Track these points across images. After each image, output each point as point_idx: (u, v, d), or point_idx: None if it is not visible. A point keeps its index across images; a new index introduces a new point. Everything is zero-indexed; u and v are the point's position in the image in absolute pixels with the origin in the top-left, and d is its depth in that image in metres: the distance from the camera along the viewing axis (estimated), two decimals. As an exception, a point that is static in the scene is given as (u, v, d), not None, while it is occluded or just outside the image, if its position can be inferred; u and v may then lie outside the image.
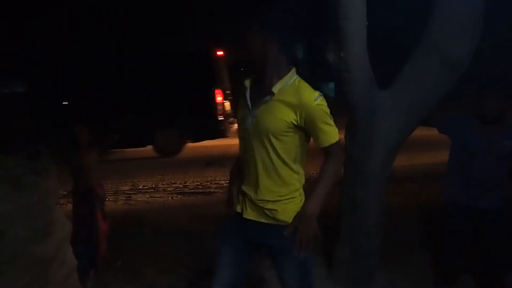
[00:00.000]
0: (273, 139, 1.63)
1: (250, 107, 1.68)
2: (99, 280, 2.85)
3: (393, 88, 2.40)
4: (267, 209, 1.68)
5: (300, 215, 1.65)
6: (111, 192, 5.28)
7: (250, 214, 1.71)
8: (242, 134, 1.73)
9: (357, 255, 2.60)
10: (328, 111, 1.64)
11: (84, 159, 2.95)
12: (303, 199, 1.70)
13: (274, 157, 1.65)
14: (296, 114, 1.60)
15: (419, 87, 2.35)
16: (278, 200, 1.67)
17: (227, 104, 8.44)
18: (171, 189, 5.55)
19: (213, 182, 5.79)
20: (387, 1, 6.68)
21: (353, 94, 2.34)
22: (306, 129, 1.63)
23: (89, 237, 2.91)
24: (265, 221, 1.69)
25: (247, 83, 1.73)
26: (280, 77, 1.64)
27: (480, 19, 2.25)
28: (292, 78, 1.65)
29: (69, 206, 2.99)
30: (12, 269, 1.65)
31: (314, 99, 1.59)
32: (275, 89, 1.62)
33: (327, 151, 1.67)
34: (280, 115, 1.62)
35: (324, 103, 1.62)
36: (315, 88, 1.62)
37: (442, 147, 3.29)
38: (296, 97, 1.60)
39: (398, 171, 4.54)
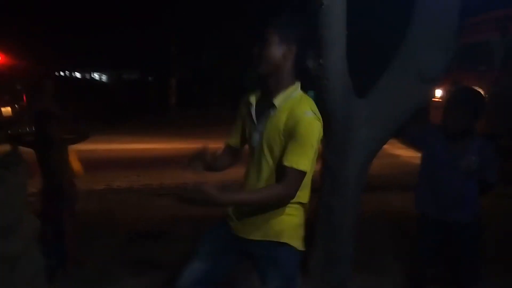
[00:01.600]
0: (273, 152, 1.62)
1: (256, 123, 1.66)
2: (67, 279, 2.79)
3: (370, 97, 2.44)
4: (263, 225, 1.68)
5: (215, 192, 1.53)
6: (84, 191, 5.16)
7: (242, 232, 1.72)
8: (250, 151, 1.73)
9: (331, 262, 2.62)
10: (315, 135, 1.56)
11: (55, 156, 2.88)
12: (302, 217, 1.72)
13: (273, 170, 1.65)
14: (285, 119, 1.59)
15: (396, 97, 2.40)
16: (275, 216, 1.67)
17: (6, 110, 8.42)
18: (147, 190, 5.48)
19: (190, 184, 5.74)
20: (367, 11, 6.84)
21: (331, 102, 2.37)
22: (286, 141, 1.58)
23: (58, 235, 2.84)
24: (260, 238, 1.69)
25: (253, 99, 1.70)
26: (284, 89, 1.63)
27: (455, 33, 2.33)
28: (295, 91, 1.64)
29: (39, 204, 2.91)
30: (-25, 266, 1.61)
31: (305, 113, 1.55)
32: (276, 101, 1.61)
33: (285, 173, 1.55)
34: (276, 125, 1.61)
35: (316, 123, 1.56)
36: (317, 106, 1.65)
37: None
38: (291, 107, 1.59)
39: (373, 179, 4.64)
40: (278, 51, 1.59)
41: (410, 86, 2.37)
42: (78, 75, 29.06)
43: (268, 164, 1.65)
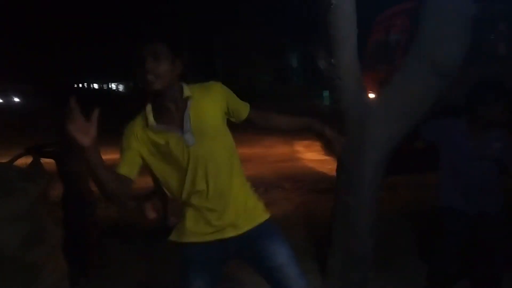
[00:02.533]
0: (219, 139, 1.62)
1: (177, 130, 1.58)
2: (90, 286, 2.84)
3: (384, 95, 2.42)
4: (249, 211, 1.68)
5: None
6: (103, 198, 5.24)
7: (234, 230, 1.66)
8: (183, 159, 1.58)
9: (350, 262, 2.59)
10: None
11: (75, 165, 2.94)
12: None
13: (224, 157, 1.62)
14: (212, 103, 1.62)
15: (410, 93, 2.37)
16: (252, 197, 1.71)
17: None
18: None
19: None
20: (378, 9, 6.73)
21: (345, 101, 2.36)
22: (230, 112, 1.67)
23: (80, 243, 2.90)
24: (252, 226, 1.67)
25: (151, 119, 1.58)
26: (181, 91, 1.59)
27: (469, 25, 2.28)
28: (189, 87, 1.62)
29: (61, 213, 2.98)
30: (2, 274, 1.65)
31: (211, 82, 1.65)
32: (186, 93, 1.58)
33: (257, 115, 1.74)
34: (206, 113, 1.60)
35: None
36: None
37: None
38: (204, 91, 1.62)
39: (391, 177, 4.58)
40: (171, 67, 1.53)
41: (425, 81, 2.33)
42: (96, 86, 29.62)
43: (219, 155, 1.60)
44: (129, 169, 1.58)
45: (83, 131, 1.31)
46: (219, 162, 1.61)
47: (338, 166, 2.57)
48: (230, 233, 1.64)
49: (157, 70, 1.50)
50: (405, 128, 2.45)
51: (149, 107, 1.59)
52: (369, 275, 2.67)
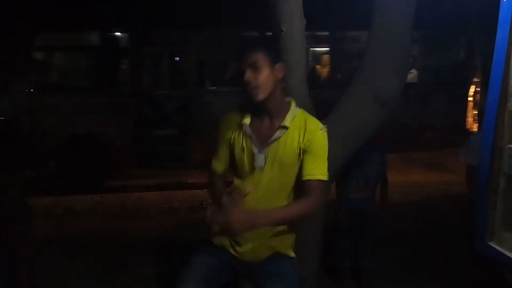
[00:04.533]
0: (288, 170, 1.64)
1: (257, 145, 1.64)
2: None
3: (330, 119, 2.52)
4: (273, 242, 1.70)
5: (250, 213, 1.53)
6: (41, 214, 4.95)
7: (251, 256, 1.69)
8: (247, 173, 1.67)
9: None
10: (327, 146, 1.66)
11: (9, 178, 2.77)
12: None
13: (287, 187, 1.67)
14: (299, 137, 1.63)
15: (354, 118, 2.49)
16: (284, 232, 1.71)
17: None
18: (109, 212, 5.32)
19: (153, 206, 5.63)
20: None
21: (293, 123, 2.43)
22: (302, 156, 1.64)
23: (11, 262, 2.71)
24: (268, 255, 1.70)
25: (246, 120, 1.66)
26: (286, 109, 1.65)
27: (408, 58, 2.46)
28: (295, 107, 1.68)
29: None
30: None
31: (320, 128, 1.64)
32: (286, 122, 1.62)
33: (309, 187, 1.61)
34: (290, 144, 1.63)
35: (326, 136, 1.67)
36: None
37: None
38: (304, 124, 1.64)
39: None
40: (271, 74, 1.58)
41: (368, 109, 2.47)
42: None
43: (279, 184, 1.65)
44: (223, 166, 1.75)
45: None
46: (277, 192, 1.65)
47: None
48: (247, 257, 1.69)
49: (258, 80, 1.54)
50: (349, 150, 2.56)
51: (251, 105, 1.64)
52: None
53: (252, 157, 1.64)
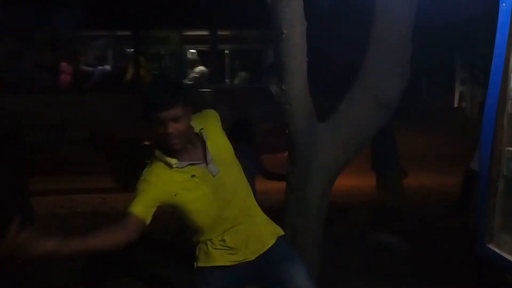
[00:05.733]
0: (234, 162, 1.72)
1: (202, 163, 1.63)
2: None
3: (331, 121, 2.53)
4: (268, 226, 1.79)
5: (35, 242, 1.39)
6: (44, 215, 4.98)
7: (259, 248, 1.73)
8: (209, 194, 1.62)
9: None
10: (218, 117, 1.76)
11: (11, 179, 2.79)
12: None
13: (242, 181, 1.74)
14: (215, 134, 1.71)
15: (356, 121, 2.50)
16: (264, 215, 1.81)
17: None
18: (113, 212, 5.34)
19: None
20: (327, 39, 7.07)
21: (294, 125, 2.44)
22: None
23: (13, 263, 2.73)
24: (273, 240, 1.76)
25: (170, 159, 1.59)
26: (193, 131, 1.64)
27: (408, 60, 2.47)
28: (195, 125, 1.66)
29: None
30: None
31: (203, 115, 1.74)
32: (197, 127, 1.65)
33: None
34: (222, 138, 1.72)
35: (210, 112, 1.78)
36: None
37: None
38: (204, 124, 1.68)
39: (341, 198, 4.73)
40: (188, 119, 1.57)
41: (369, 111, 2.48)
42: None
43: (237, 180, 1.70)
44: (144, 211, 1.56)
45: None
46: (241, 186, 1.70)
47: (286, 189, 2.63)
48: (256, 248, 1.71)
49: (179, 130, 1.52)
50: (351, 152, 2.57)
51: (158, 153, 1.60)
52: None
53: (207, 174, 1.62)
